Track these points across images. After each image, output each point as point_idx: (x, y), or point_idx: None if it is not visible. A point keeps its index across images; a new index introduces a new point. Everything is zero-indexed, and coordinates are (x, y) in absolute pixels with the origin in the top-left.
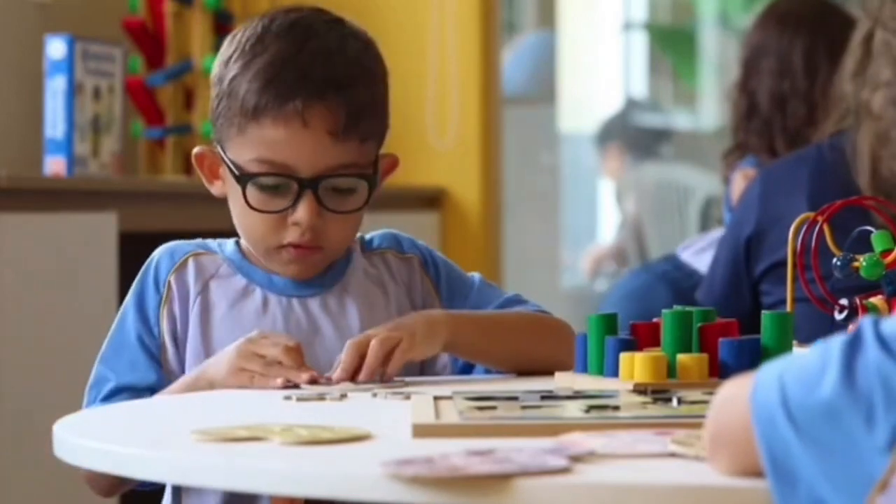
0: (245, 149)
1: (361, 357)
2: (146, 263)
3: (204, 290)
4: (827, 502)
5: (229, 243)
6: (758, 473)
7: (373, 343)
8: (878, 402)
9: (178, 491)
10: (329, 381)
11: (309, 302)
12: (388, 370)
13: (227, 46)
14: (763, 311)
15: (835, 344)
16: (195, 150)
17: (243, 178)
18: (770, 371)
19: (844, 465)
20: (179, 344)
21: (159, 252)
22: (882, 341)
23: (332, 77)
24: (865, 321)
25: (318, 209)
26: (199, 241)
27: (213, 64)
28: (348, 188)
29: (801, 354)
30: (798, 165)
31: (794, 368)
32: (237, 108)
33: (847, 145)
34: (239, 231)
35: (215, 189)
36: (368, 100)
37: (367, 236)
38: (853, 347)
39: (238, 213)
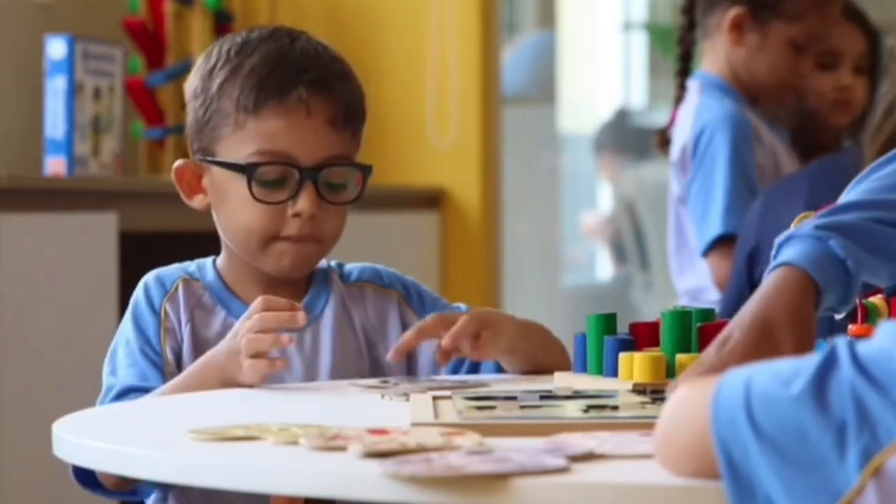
0: (242, 145)
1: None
2: (136, 293)
3: (192, 319)
4: None
5: (208, 267)
6: (705, 476)
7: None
8: (850, 422)
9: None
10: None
11: None
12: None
13: (205, 62)
14: None
15: (809, 359)
16: (175, 164)
17: (249, 168)
18: (738, 374)
19: (806, 479)
20: (181, 366)
21: (148, 280)
22: (857, 363)
23: (329, 70)
24: (840, 342)
25: (318, 200)
26: (180, 265)
27: (187, 83)
28: (342, 182)
29: (775, 363)
30: (798, 177)
31: (764, 375)
32: (230, 109)
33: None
34: (230, 233)
35: (195, 203)
36: (360, 93)
37: (346, 267)
38: (827, 366)
39: (231, 213)
